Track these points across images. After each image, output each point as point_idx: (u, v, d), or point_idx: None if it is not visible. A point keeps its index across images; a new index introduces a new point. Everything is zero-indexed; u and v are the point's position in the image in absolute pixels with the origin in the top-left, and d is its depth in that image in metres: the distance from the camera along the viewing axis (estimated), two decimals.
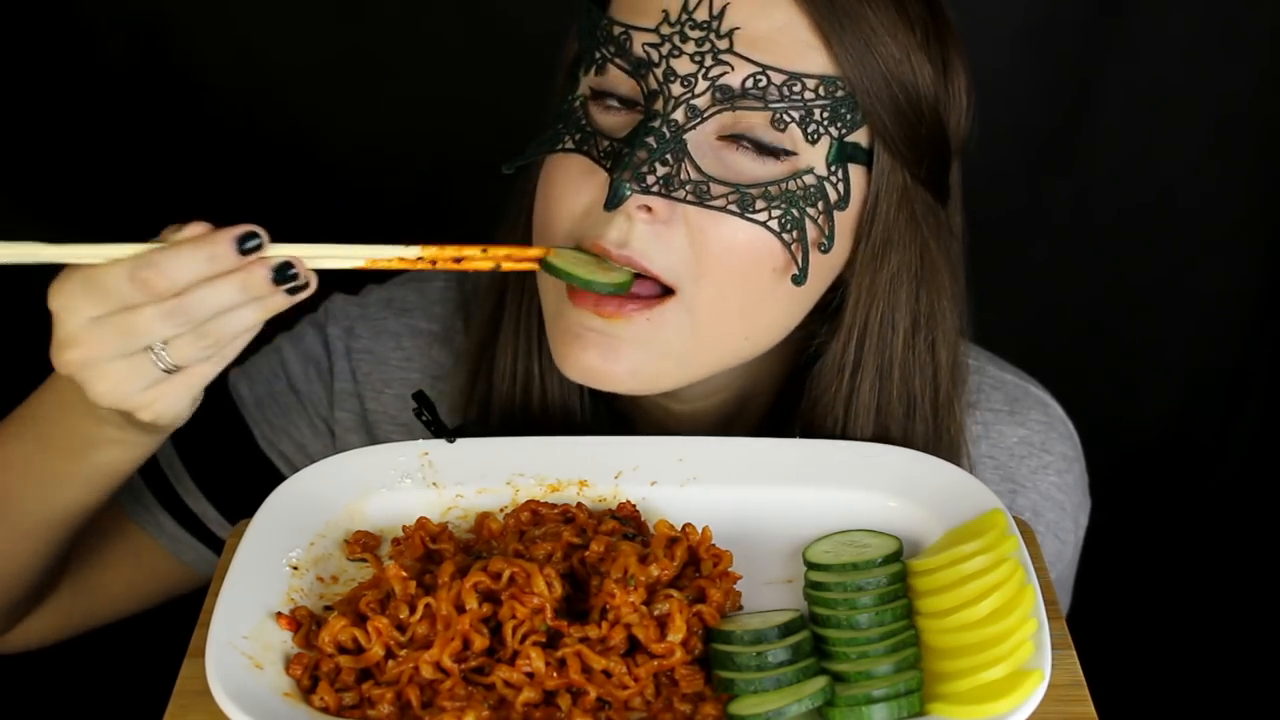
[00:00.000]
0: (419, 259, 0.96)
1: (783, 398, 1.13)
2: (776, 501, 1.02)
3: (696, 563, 0.95)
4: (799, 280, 1.00)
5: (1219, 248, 1.76)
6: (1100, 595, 1.35)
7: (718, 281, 1.00)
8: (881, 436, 1.08)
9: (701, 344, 1.02)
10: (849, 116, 0.99)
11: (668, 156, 0.97)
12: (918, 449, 1.07)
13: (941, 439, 1.10)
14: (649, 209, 0.98)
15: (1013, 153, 1.71)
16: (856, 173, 1.01)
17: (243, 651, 0.87)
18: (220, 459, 1.21)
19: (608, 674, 0.87)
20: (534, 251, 0.99)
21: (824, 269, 1.04)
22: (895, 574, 0.93)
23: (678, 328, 1.01)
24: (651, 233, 0.98)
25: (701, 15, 0.97)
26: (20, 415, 1.08)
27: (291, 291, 0.90)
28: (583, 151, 1.00)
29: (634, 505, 1.01)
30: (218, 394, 1.21)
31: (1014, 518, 0.97)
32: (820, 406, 1.08)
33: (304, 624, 0.91)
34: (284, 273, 0.90)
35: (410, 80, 1.68)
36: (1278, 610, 1.85)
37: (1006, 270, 1.70)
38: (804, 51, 0.98)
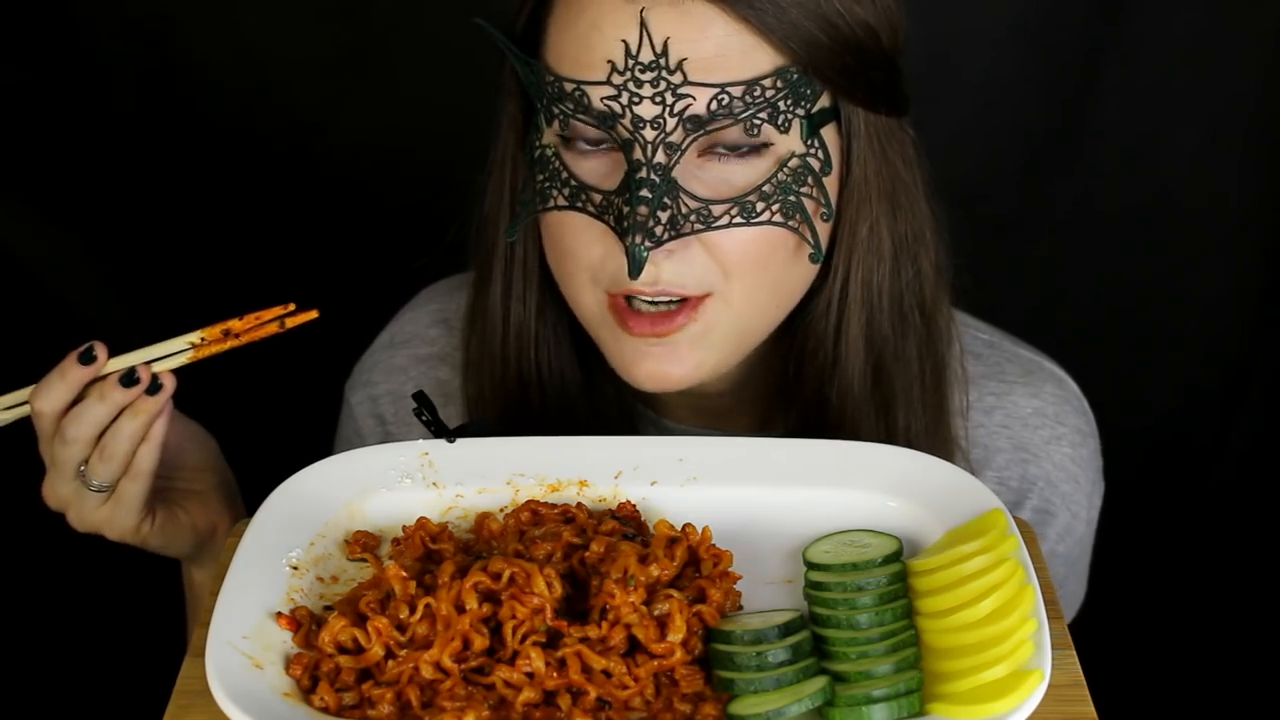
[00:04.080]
0: (201, 341, 1.04)
1: (781, 340, 1.16)
2: (776, 501, 1.02)
3: (696, 563, 0.95)
4: (816, 258, 1.05)
5: (1219, 247, 1.76)
6: (1100, 595, 1.35)
7: (744, 277, 1.04)
8: (877, 363, 1.11)
9: (745, 327, 1.08)
10: (808, 92, 1.02)
11: (665, 199, 1.00)
12: (912, 363, 1.12)
13: (933, 338, 1.14)
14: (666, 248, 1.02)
15: (1013, 153, 1.72)
16: (829, 132, 1.05)
17: (243, 651, 0.87)
18: None
19: (608, 674, 0.87)
20: (275, 311, 1.04)
21: (826, 227, 1.08)
22: (895, 574, 0.93)
23: (722, 320, 1.06)
24: (673, 261, 1.03)
25: (646, 56, 0.99)
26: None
27: (152, 393, 1.03)
28: (577, 208, 1.04)
29: (634, 505, 1.01)
30: None
31: (1014, 518, 0.96)
32: (809, 343, 1.12)
33: (304, 624, 0.91)
34: (130, 378, 1.02)
35: (410, 80, 1.68)
36: (1278, 610, 1.85)
37: (1006, 269, 1.70)
38: (751, 55, 1.00)
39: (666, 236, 1.00)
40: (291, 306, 1.03)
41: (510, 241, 1.13)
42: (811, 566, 0.96)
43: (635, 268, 1.00)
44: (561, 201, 1.04)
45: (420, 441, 1.06)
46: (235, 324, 1.03)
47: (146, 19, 1.66)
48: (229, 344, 1.03)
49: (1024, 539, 0.94)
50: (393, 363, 1.29)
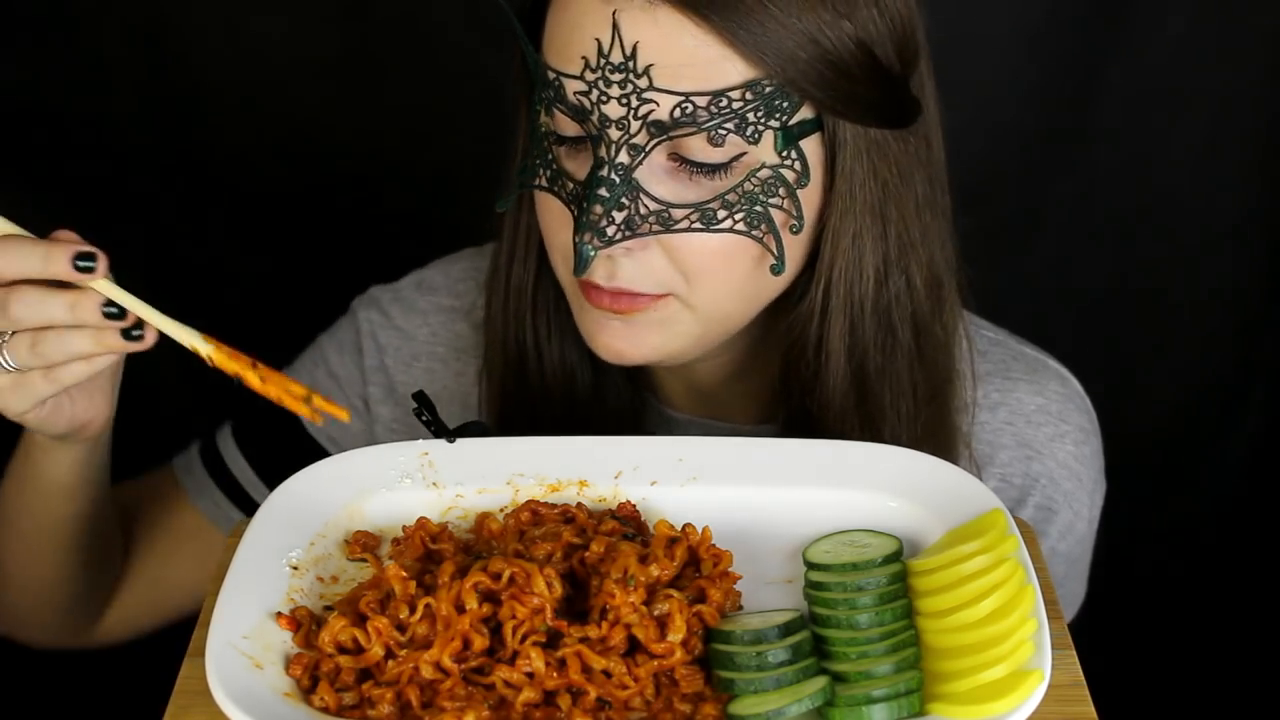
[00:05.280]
0: (208, 356, 0.95)
1: (772, 336, 1.16)
2: (776, 501, 1.02)
3: (696, 563, 0.95)
4: (777, 270, 1.05)
5: (1219, 248, 1.76)
6: (1100, 595, 1.35)
7: (705, 282, 1.05)
8: (860, 376, 1.10)
9: (710, 324, 1.08)
10: (784, 105, 1.01)
11: (623, 200, 1.01)
12: (902, 378, 1.11)
13: (925, 354, 1.13)
14: (624, 246, 1.03)
15: (1013, 153, 1.71)
16: (810, 143, 1.04)
17: (243, 651, 0.87)
18: (275, 447, 1.30)
19: (608, 674, 0.87)
20: (298, 390, 0.95)
21: (804, 238, 1.07)
22: (895, 574, 0.93)
23: (685, 318, 1.07)
24: (632, 261, 1.03)
25: (616, 58, 0.99)
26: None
27: (126, 336, 0.94)
28: (553, 192, 1.05)
29: (634, 505, 1.01)
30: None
31: (1014, 518, 0.96)
32: (794, 352, 1.12)
33: (304, 624, 0.91)
34: (114, 311, 0.93)
35: (411, 80, 1.68)
36: (1278, 611, 1.85)
37: (1006, 270, 1.70)
38: (720, 66, 0.99)
39: (619, 236, 1.01)
40: (317, 399, 0.95)
41: (501, 210, 1.14)
42: (811, 566, 0.96)
43: (580, 265, 1.01)
44: (544, 182, 1.06)
45: (420, 441, 1.06)
46: (254, 380, 0.94)
47: (146, 19, 1.66)
48: (232, 370, 0.94)
49: (1024, 539, 0.94)
50: (414, 304, 1.29)
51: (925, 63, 1.09)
